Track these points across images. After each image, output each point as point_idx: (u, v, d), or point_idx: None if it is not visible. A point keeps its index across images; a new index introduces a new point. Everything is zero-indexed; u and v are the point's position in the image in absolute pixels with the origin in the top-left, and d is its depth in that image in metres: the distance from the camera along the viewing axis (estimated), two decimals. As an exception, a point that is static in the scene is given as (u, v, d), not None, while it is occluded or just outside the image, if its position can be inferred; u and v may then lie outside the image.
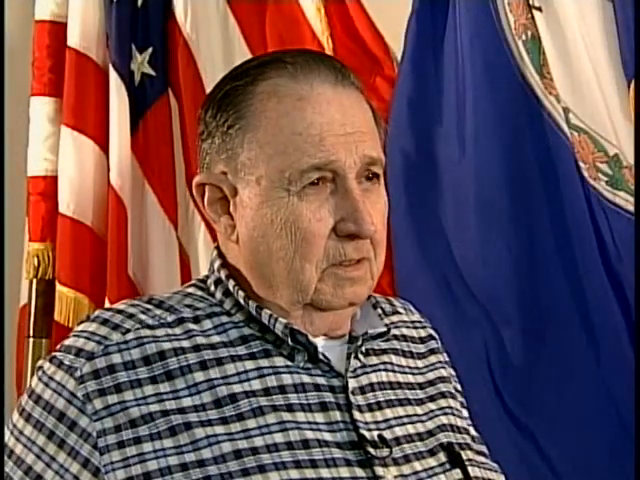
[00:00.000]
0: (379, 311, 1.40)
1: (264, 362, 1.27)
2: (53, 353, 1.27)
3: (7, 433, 1.28)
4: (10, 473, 1.25)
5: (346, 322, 1.33)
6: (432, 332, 1.48)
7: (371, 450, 1.25)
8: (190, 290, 1.34)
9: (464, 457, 1.32)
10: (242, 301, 1.29)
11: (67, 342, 1.27)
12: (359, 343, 1.32)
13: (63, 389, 1.23)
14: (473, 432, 1.41)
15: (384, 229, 1.30)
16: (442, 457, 1.30)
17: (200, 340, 1.26)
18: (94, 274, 2.48)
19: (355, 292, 1.28)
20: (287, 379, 1.26)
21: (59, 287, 2.47)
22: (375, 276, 1.30)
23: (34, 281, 2.52)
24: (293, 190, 1.25)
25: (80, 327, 1.28)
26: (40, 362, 1.28)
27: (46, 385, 1.25)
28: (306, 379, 1.27)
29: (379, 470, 1.24)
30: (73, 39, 2.49)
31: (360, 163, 1.27)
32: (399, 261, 2.32)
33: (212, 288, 1.33)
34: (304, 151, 1.25)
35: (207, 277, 1.35)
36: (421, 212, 2.31)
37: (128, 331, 1.25)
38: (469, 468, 1.31)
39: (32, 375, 1.30)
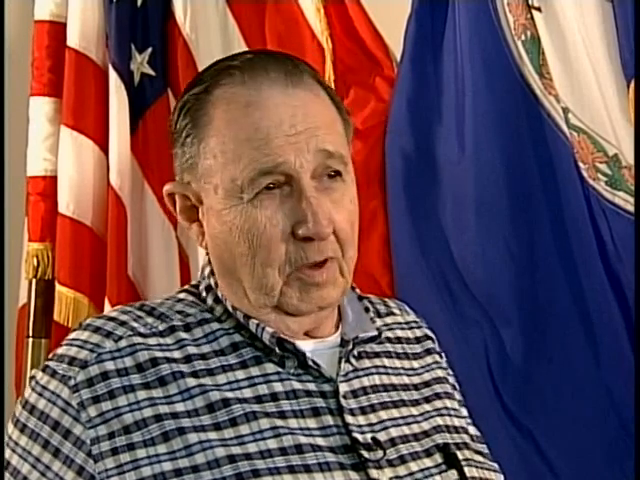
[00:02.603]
0: (372, 314, 1.39)
1: (255, 370, 1.27)
2: (46, 362, 1.26)
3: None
4: None
5: (325, 323, 1.32)
6: (428, 332, 1.47)
7: (364, 453, 1.24)
8: (182, 296, 1.34)
9: (461, 457, 1.31)
10: (230, 309, 1.29)
11: (59, 351, 1.26)
12: (350, 347, 1.32)
13: (58, 398, 1.23)
14: (472, 431, 1.41)
15: (352, 226, 1.28)
16: (438, 458, 1.30)
17: (191, 350, 1.26)
18: (94, 274, 2.47)
19: (322, 296, 1.27)
20: (278, 386, 1.26)
21: (58, 287, 2.46)
22: (347, 273, 1.28)
23: (33, 281, 2.51)
24: (246, 197, 1.24)
25: (72, 335, 1.27)
26: (32, 372, 1.28)
27: (40, 395, 1.24)
28: (297, 385, 1.27)
29: (373, 472, 1.24)
30: (72, 39, 2.48)
31: (314, 161, 1.24)
32: (398, 261, 2.32)
33: (204, 294, 1.33)
34: (252, 157, 1.23)
35: (199, 282, 1.35)
36: (420, 212, 2.31)
37: (120, 338, 1.25)
38: (466, 468, 1.30)
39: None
